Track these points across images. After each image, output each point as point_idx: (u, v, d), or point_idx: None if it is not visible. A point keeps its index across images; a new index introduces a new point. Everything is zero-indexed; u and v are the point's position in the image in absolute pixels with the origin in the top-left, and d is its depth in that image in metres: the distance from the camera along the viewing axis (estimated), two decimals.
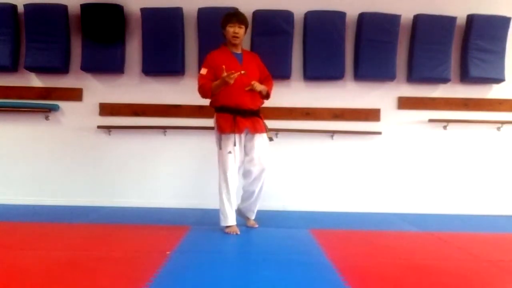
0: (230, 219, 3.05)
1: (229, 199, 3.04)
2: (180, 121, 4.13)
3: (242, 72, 2.90)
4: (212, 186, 4.04)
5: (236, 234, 2.98)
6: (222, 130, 3.02)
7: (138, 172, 4.16)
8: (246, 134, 3.11)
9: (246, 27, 3.17)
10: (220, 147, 3.04)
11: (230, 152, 3.00)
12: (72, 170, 4.15)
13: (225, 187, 3.04)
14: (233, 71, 2.83)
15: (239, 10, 3.95)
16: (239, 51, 3.18)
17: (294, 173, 4.17)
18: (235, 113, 3.03)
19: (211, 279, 2.02)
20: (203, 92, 3.08)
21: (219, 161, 3.07)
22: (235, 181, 3.07)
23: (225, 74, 2.82)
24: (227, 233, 3.02)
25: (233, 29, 3.07)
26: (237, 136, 3.03)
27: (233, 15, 3.14)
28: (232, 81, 2.84)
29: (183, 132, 4.12)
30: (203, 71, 3.07)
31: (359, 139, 4.17)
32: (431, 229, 3.37)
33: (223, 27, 3.14)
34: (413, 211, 4.12)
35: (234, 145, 3.01)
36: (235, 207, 3.13)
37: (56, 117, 4.17)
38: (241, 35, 3.12)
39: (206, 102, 4.01)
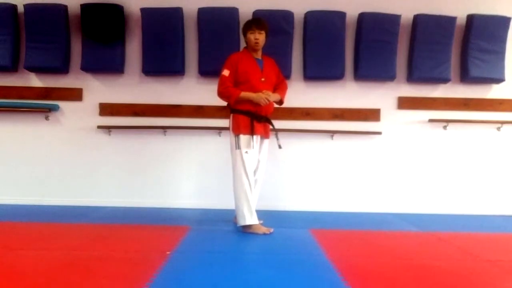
0: (254, 217, 3.03)
1: (250, 197, 3.03)
2: (180, 121, 4.13)
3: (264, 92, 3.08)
4: (212, 186, 4.09)
5: (264, 233, 2.98)
6: (240, 131, 3.04)
7: (138, 172, 4.16)
8: (260, 138, 3.19)
9: (267, 32, 3.19)
10: (238, 147, 3.04)
11: (246, 152, 3.02)
12: (72, 170, 4.15)
13: (247, 185, 3.02)
14: (269, 93, 3.05)
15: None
16: (259, 57, 3.21)
17: (294, 173, 4.18)
18: (252, 117, 3.07)
19: (211, 279, 2.02)
20: (227, 98, 3.09)
21: (236, 162, 3.05)
22: (252, 180, 3.08)
23: (263, 95, 3.01)
24: (250, 232, 3.00)
25: (253, 36, 3.11)
26: (254, 137, 3.07)
27: (252, 22, 3.17)
28: (264, 104, 3.02)
29: (183, 132, 4.13)
30: (226, 72, 3.08)
31: (359, 139, 4.18)
32: (431, 229, 3.38)
33: (244, 34, 3.19)
34: (413, 211, 4.12)
35: (252, 147, 3.05)
36: (255, 206, 3.10)
37: (56, 117, 4.17)
38: (262, 40, 3.15)
39: (206, 102, 4.06)
